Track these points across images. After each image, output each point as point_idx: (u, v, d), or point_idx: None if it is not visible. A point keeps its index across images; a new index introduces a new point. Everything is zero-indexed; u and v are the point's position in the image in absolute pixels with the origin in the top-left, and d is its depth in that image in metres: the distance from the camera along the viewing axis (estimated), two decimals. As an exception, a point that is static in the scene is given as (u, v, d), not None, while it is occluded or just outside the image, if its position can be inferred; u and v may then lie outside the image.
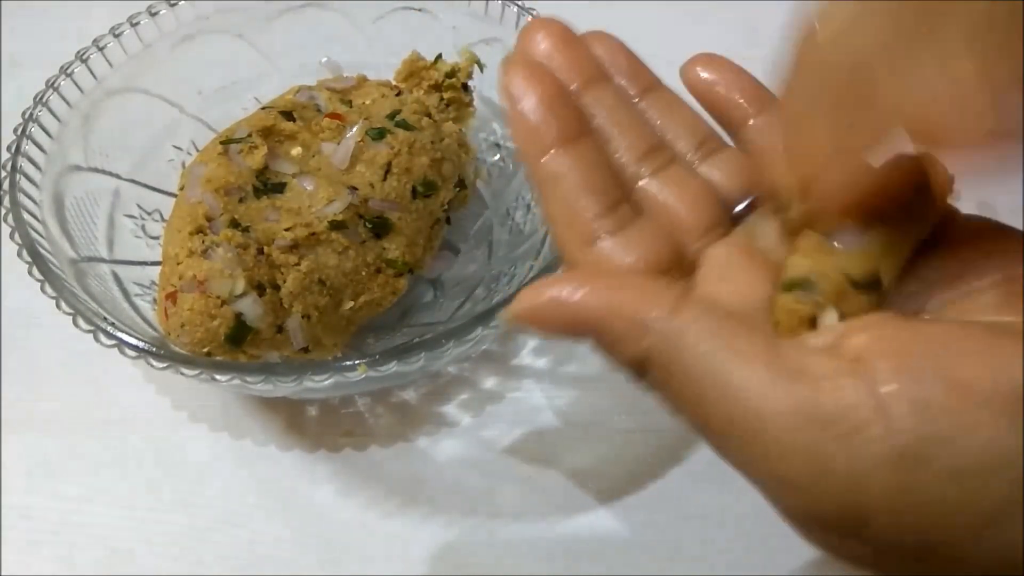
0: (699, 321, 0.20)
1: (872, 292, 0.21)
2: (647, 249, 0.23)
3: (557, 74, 0.24)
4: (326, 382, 0.30)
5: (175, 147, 0.42)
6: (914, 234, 0.22)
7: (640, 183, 0.24)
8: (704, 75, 0.26)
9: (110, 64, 0.39)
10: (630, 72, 0.26)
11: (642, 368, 0.20)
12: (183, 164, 0.41)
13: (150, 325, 0.35)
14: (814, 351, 0.20)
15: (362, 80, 0.41)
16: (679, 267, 0.24)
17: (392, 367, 0.30)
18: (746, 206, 0.25)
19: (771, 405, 0.19)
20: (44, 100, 0.37)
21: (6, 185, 0.34)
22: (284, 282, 0.33)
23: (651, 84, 0.26)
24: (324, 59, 0.43)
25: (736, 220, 0.25)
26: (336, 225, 0.34)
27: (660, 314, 0.20)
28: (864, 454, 0.18)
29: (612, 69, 0.25)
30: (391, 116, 0.38)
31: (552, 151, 0.23)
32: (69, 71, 0.38)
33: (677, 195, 0.24)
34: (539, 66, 0.24)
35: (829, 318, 0.21)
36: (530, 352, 0.40)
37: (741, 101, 0.25)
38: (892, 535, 0.18)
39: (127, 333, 0.31)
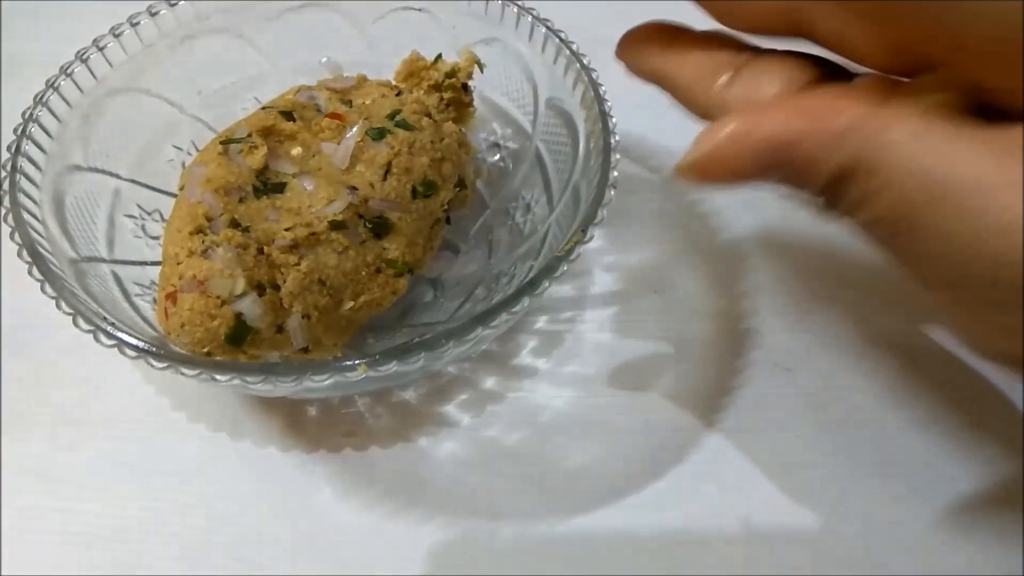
0: (910, 113, 0.19)
1: None
2: (775, 80, 0.22)
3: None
4: (326, 382, 0.30)
5: (175, 147, 0.42)
6: None
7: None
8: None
9: (110, 64, 0.39)
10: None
11: (841, 185, 0.19)
12: (183, 164, 0.41)
13: (150, 325, 0.35)
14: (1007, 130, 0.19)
15: (362, 80, 0.41)
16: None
17: (392, 367, 0.30)
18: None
19: (997, 180, 0.18)
20: (44, 100, 0.37)
21: (6, 185, 0.34)
22: (284, 282, 0.33)
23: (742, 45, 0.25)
24: (324, 59, 0.43)
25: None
26: (336, 225, 0.34)
27: (858, 112, 0.19)
28: None
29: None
30: (391, 116, 0.38)
31: (671, 41, 0.24)
32: (69, 71, 0.38)
33: (779, 62, 0.23)
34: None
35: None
36: (530, 352, 0.40)
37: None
38: None
39: (127, 333, 0.31)
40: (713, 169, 0.20)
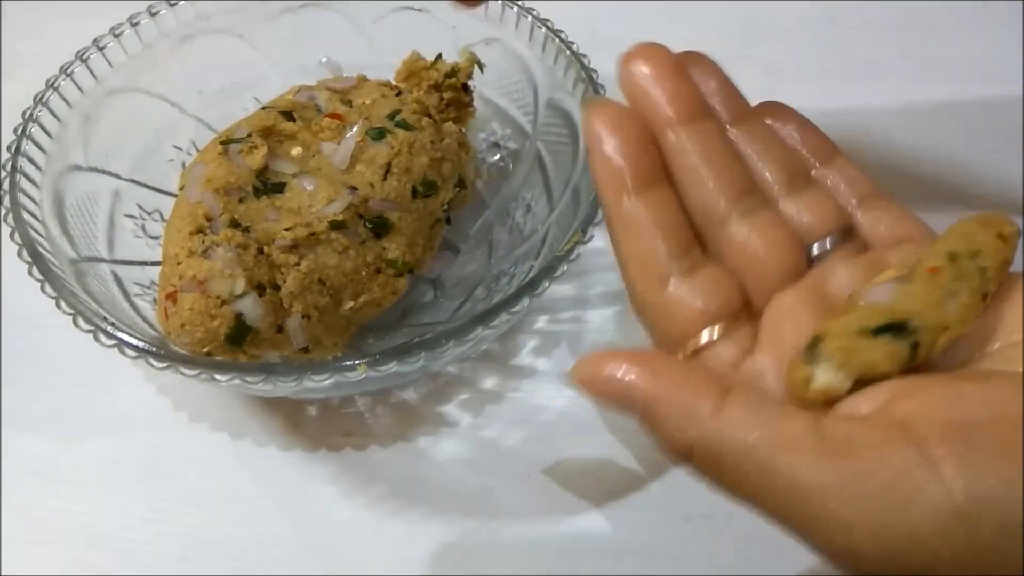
0: (743, 413, 0.20)
1: (896, 340, 0.21)
2: (718, 295, 0.24)
3: (658, 106, 0.24)
4: (326, 382, 0.30)
5: (175, 147, 0.42)
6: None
7: (728, 228, 0.24)
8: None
9: (110, 64, 0.39)
10: (724, 98, 0.25)
11: (687, 456, 0.21)
12: (183, 164, 0.41)
13: (150, 325, 0.35)
14: (859, 421, 0.20)
15: (362, 80, 0.41)
16: (748, 312, 0.24)
17: (392, 367, 0.30)
18: (829, 245, 0.25)
19: (823, 484, 0.19)
20: (44, 100, 0.37)
21: (6, 185, 0.34)
22: (284, 282, 0.33)
23: (744, 112, 0.26)
24: (324, 59, 0.43)
25: (817, 260, 0.25)
26: (336, 225, 0.34)
27: (705, 409, 0.21)
28: (923, 518, 0.18)
29: (706, 93, 0.25)
30: (391, 116, 0.38)
31: (628, 196, 0.24)
32: (69, 71, 0.38)
33: (762, 242, 0.24)
34: (624, 110, 0.24)
35: (825, 376, 0.21)
36: (530, 352, 0.40)
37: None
38: None
39: (127, 333, 0.31)
40: (587, 393, 0.22)
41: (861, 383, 0.21)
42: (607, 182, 0.24)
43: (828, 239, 0.25)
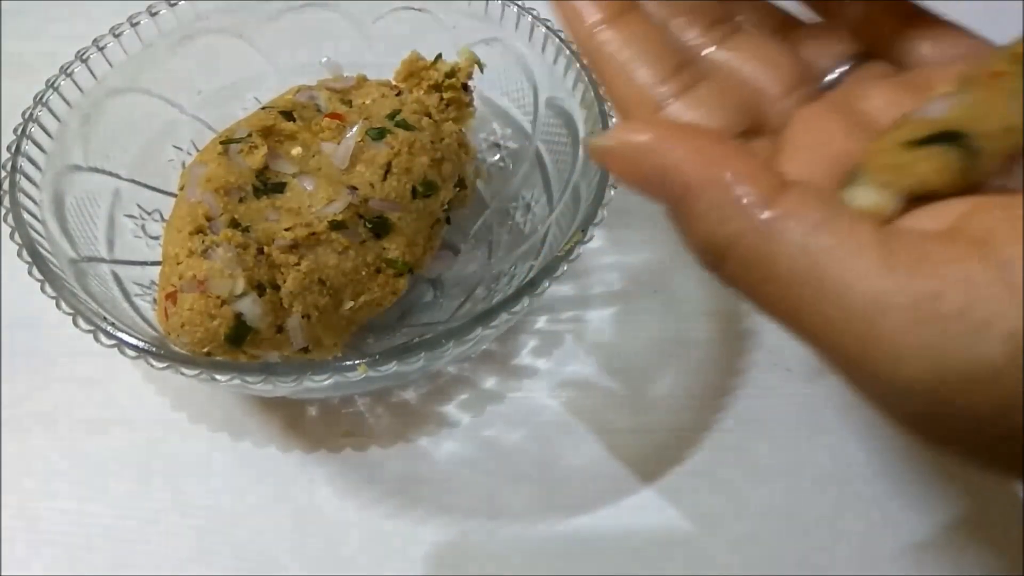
0: (803, 208, 0.18)
1: (950, 150, 0.18)
2: (722, 110, 0.21)
3: None
4: (326, 382, 0.30)
5: (175, 147, 0.42)
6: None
7: (705, 51, 0.22)
8: None
9: (110, 64, 0.39)
10: None
11: (722, 255, 0.18)
12: (183, 164, 0.41)
13: (150, 325, 0.35)
14: (932, 236, 0.17)
15: (362, 80, 0.41)
16: (760, 131, 0.22)
17: (392, 367, 0.30)
18: (841, 74, 0.22)
19: (885, 300, 0.17)
20: (44, 100, 0.37)
21: (6, 185, 0.34)
22: (284, 282, 0.33)
23: None
24: (324, 59, 0.43)
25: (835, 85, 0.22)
26: (336, 225, 0.34)
27: (754, 199, 0.18)
28: (997, 351, 0.16)
29: None
30: (391, 116, 0.38)
31: (601, 27, 0.22)
32: (69, 71, 0.38)
33: (750, 57, 0.22)
34: None
35: (868, 196, 0.19)
36: (530, 352, 0.40)
37: None
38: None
39: (127, 333, 0.31)
40: (611, 164, 0.20)
41: (915, 204, 0.19)
42: (576, 19, 0.22)
43: (844, 63, 0.22)
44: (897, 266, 0.17)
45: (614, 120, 0.35)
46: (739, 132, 0.21)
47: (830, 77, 0.22)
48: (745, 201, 0.18)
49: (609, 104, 0.35)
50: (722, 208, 0.18)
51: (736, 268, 0.18)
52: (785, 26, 0.24)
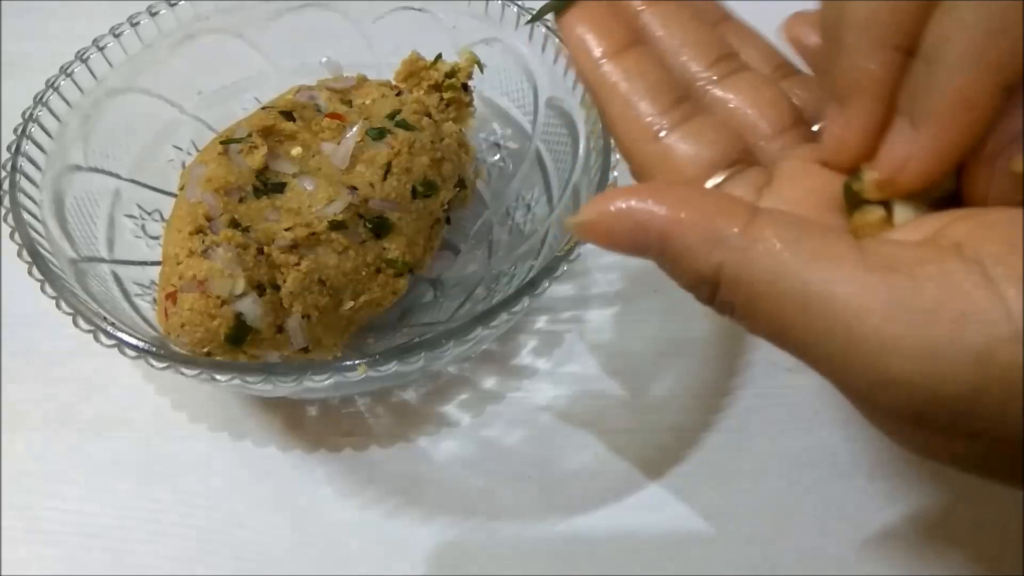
0: (777, 230, 0.19)
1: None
2: (715, 142, 0.22)
3: None
4: (326, 382, 0.30)
5: (175, 147, 0.42)
6: None
7: (707, 87, 0.23)
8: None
9: (110, 64, 0.39)
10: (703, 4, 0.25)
11: (712, 284, 0.19)
12: (183, 164, 0.41)
13: (150, 325, 0.35)
14: (908, 244, 0.18)
15: (362, 80, 0.41)
16: (752, 164, 0.23)
17: (392, 367, 0.30)
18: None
19: (864, 301, 0.17)
20: (44, 100, 0.37)
21: (6, 185, 0.34)
22: (284, 282, 0.33)
23: (725, 15, 0.25)
24: (324, 59, 0.43)
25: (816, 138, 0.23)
26: (336, 225, 0.34)
27: (734, 226, 0.19)
28: (975, 340, 0.16)
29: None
30: (391, 116, 0.38)
31: (604, 60, 0.23)
32: (69, 71, 0.38)
33: (748, 97, 0.23)
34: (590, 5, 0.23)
35: (902, 212, 0.20)
36: (530, 352, 0.40)
37: None
38: (1012, 423, 0.17)
39: (127, 333, 0.31)
40: (593, 236, 0.21)
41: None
42: (581, 51, 0.23)
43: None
44: (874, 269, 0.18)
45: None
46: (731, 162, 0.22)
47: (820, 125, 0.23)
48: (722, 232, 0.19)
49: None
50: (700, 245, 0.19)
51: (727, 292, 0.19)
52: (783, 68, 0.25)
